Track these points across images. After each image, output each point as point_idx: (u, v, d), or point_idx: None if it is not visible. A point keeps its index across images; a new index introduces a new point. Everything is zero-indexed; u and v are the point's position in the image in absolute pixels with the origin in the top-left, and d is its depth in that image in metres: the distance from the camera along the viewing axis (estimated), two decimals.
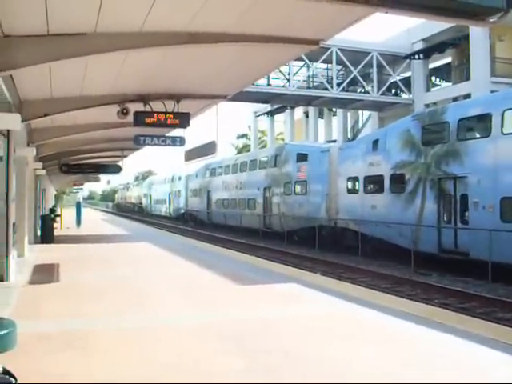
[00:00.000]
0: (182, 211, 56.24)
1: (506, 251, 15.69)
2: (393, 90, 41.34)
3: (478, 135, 19.13)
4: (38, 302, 9.80)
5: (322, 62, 38.19)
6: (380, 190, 23.39)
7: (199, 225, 47.84)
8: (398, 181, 22.13)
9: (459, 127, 19.13)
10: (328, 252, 24.89)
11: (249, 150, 60.71)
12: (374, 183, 23.95)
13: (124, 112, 13.25)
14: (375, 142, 23.95)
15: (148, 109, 13.15)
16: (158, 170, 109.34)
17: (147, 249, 21.55)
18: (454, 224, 19.13)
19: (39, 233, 24.31)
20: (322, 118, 50.13)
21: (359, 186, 25.09)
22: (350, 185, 26.05)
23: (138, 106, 13.17)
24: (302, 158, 30.81)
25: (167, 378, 5.62)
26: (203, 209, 47.86)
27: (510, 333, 8.14)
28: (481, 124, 18.78)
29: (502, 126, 17.24)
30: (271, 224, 34.10)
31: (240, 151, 71.82)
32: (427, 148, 20.48)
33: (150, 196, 75.15)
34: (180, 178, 58.71)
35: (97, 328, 7.79)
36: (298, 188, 31.20)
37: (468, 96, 31.16)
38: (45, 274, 13.67)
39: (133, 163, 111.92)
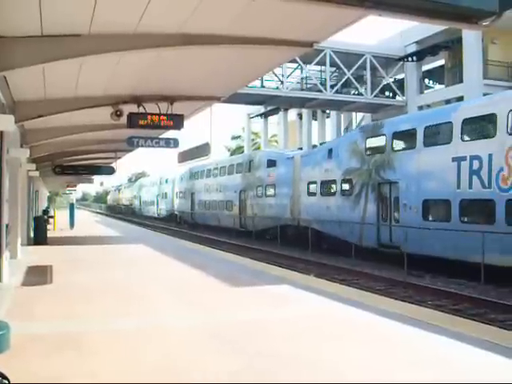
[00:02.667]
0: (169, 212, 58.92)
1: (428, 245, 18.49)
2: (386, 92, 41.47)
3: (406, 147, 22.03)
4: (31, 304, 9.76)
5: (315, 64, 38.32)
6: (333, 193, 26.57)
7: (184, 225, 50.17)
8: (347, 185, 25.27)
9: (393, 139, 22.30)
10: (291, 248, 27.26)
11: (242, 152, 60.94)
12: (329, 187, 27.05)
13: (118, 113, 13.24)
14: (330, 151, 27.02)
15: (142, 110, 13.14)
16: (151, 172, 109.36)
17: (140, 250, 21.53)
18: (389, 222, 22.25)
19: (32, 234, 24.23)
20: (315, 119, 50.17)
21: (317, 189, 27.98)
22: (309, 188, 28.76)
23: (132, 108, 13.16)
24: (271, 163, 33.93)
25: (159, 379, 5.62)
26: (187, 210, 50.84)
27: (501, 334, 8.18)
28: (408, 138, 21.65)
29: (423, 140, 20.29)
30: (246, 224, 36.82)
31: (233, 153, 71.82)
32: (369, 157, 23.53)
33: (140, 198, 77.28)
34: (167, 181, 61.43)
35: (90, 329, 7.78)
36: (268, 191, 34.18)
37: (461, 98, 31.31)
38: (38, 275, 13.63)
39: (127, 164, 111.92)
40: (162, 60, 10.49)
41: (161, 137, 16.21)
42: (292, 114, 51.94)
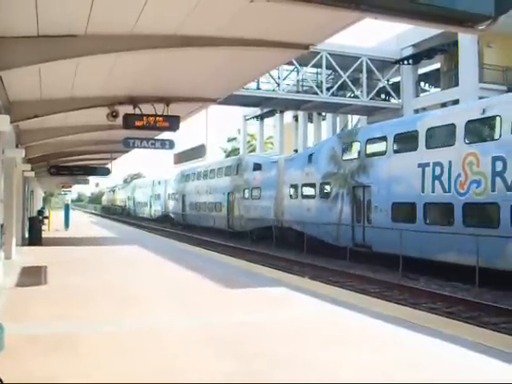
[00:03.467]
0: (161, 213, 60.30)
1: (397, 245, 19.16)
2: (382, 95, 41.53)
3: (378, 153, 23.22)
4: (25, 305, 9.75)
5: (311, 67, 38.32)
6: (313, 195, 27.97)
7: (178, 226, 51.14)
8: (325, 188, 26.84)
9: (366, 146, 23.81)
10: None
11: (238, 154, 61.09)
12: (309, 190, 28.47)
13: (114, 114, 13.22)
14: (310, 156, 28.67)
15: (138, 111, 13.12)
16: (146, 173, 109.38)
17: (135, 251, 21.50)
18: (362, 223, 23.62)
19: (27, 235, 24.19)
20: (311, 122, 50.22)
21: (299, 191, 29.42)
22: (292, 191, 30.22)
23: (128, 109, 13.14)
24: (257, 167, 35.51)
25: (155, 381, 5.62)
26: (178, 211, 52.44)
27: (495, 337, 8.21)
28: (380, 144, 23.10)
29: (393, 147, 21.96)
30: (234, 225, 38.31)
31: (229, 155, 71.91)
32: (346, 162, 25.09)
33: (134, 199, 78.41)
34: (159, 183, 62.85)
35: (85, 331, 7.77)
36: (254, 193, 35.51)
37: (457, 102, 31.37)
38: (32, 276, 13.60)
39: (122, 165, 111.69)
40: (158, 61, 10.49)
41: (156, 138, 16.20)
42: (288, 116, 51.98)
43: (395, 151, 21.91)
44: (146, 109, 13.13)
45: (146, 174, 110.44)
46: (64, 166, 29.25)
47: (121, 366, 6.11)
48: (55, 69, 9.83)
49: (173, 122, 13.18)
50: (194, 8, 7.48)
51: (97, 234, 32.37)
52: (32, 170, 23.14)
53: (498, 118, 17.50)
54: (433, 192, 19.59)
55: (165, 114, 13.17)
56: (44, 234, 24.97)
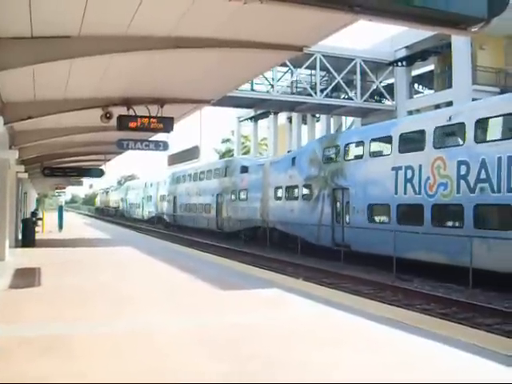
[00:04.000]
0: (153, 214, 61.35)
1: (373, 244, 20.96)
2: (376, 97, 41.61)
3: (355, 157, 24.48)
4: (18, 307, 9.71)
5: (305, 68, 38.35)
6: (296, 197, 29.22)
7: (172, 227, 51.63)
8: (307, 190, 28.06)
9: (345, 150, 25.08)
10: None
11: (232, 155, 61.21)
12: (292, 192, 29.73)
13: (107, 116, 13.23)
14: (293, 159, 29.90)
15: (131, 113, 13.13)
16: (140, 174, 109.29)
17: (129, 253, 21.46)
18: (341, 224, 24.76)
19: (20, 236, 24.11)
20: (305, 123, 50.26)
21: (283, 193, 30.77)
22: (276, 193, 31.56)
23: (122, 110, 13.15)
24: (244, 169, 36.66)
25: (149, 381, 5.61)
26: (170, 212, 53.68)
27: (489, 338, 8.23)
28: (358, 149, 24.36)
29: (369, 151, 23.20)
30: (222, 225, 39.36)
31: (223, 156, 71.93)
32: (326, 165, 26.25)
33: (127, 200, 79.38)
34: (151, 185, 63.95)
35: (78, 332, 7.74)
36: (241, 195, 36.77)
37: (450, 103, 31.48)
38: (26, 278, 13.55)
39: (116, 167, 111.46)
40: (152, 63, 10.49)
41: (150, 139, 16.21)
42: (282, 117, 52.01)
43: (371, 155, 23.21)
44: (140, 110, 13.14)
45: (140, 175, 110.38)
46: (58, 168, 29.21)
47: (114, 368, 6.10)
48: (49, 70, 9.82)
49: (167, 124, 13.20)
50: (188, 9, 7.50)
51: (90, 236, 32.28)
52: (26, 171, 23.09)
53: (462, 125, 18.48)
54: (405, 194, 20.75)
55: (159, 115, 13.19)
56: (37, 236, 24.88)
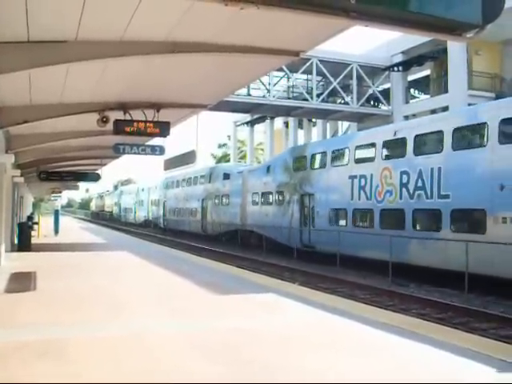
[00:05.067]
0: (145, 218, 63.95)
1: (334, 244, 22.74)
2: (372, 102, 41.71)
3: (320, 166, 26.80)
4: (14, 311, 9.69)
5: (302, 73, 38.51)
6: (270, 202, 31.61)
7: (168, 232, 52.34)
8: (279, 196, 30.40)
9: (311, 160, 27.47)
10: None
11: (228, 160, 61.41)
12: (267, 197, 32.10)
13: (104, 120, 13.22)
14: (268, 167, 32.59)
15: (128, 117, 13.13)
16: (137, 179, 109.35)
17: (124, 257, 21.44)
18: (308, 226, 27.04)
19: (16, 241, 24.06)
20: (301, 128, 50.35)
21: (259, 199, 33.13)
22: (254, 198, 33.86)
23: (118, 115, 13.14)
24: (226, 176, 39.10)
25: None
26: (160, 216, 56.22)
27: (484, 342, 8.24)
28: (322, 159, 26.71)
29: (331, 160, 25.74)
30: (207, 228, 41.90)
31: (219, 161, 71.98)
32: (296, 173, 28.65)
33: (120, 205, 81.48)
34: (143, 190, 66.42)
35: (73, 336, 7.73)
36: (223, 200, 39.15)
37: (446, 108, 31.59)
38: (22, 282, 13.53)
39: (113, 171, 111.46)
40: (148, 67, 10.51)
41: (147, 144, 16.21)
42: (278, 122, 52.07)
43: (332, 164, 25.71)
44: (137, 115, 13.14)
45: (136, 179, 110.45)
46: (54, 172, 29.16)
47: (110, 371, 6.09)
48: (45, 74, 9.82)
49: (163, 128, 13.20)
50: (185, 14, 7.51)
51: (86, 240, 32.24)
52: (22, 175, 23.04)
53: (404, 140, 20.95)
54: (359, 200, 23.17)
55: (155, 119, 13.18)
56: (33, 240, 24.86)
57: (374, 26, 5.96)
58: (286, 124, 51.04)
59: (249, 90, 37.91)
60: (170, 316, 9.52)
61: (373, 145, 22.75)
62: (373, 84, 39.85)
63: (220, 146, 79.78)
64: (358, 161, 23.58)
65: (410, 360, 6.78)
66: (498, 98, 31.81)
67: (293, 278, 19.77)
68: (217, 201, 40.15)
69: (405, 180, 20.48)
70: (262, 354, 6.93)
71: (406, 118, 36.40)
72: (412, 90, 42.40)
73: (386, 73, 39.43)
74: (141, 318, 9.28)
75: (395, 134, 21.69)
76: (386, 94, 40.64)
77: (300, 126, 50.13)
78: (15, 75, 9.04)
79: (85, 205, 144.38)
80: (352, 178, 23.55)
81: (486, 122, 17.40)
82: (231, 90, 14.60)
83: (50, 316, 9.22)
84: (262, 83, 37.77)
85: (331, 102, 40.36)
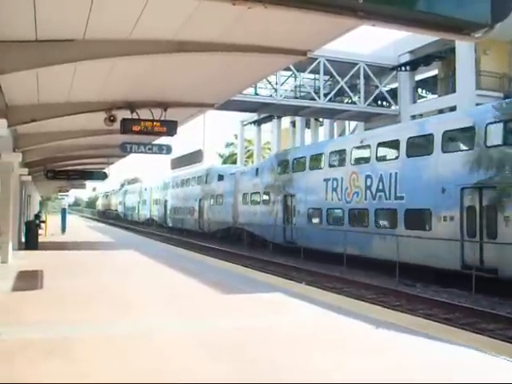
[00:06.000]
0: (147, 217, 66.79)
1: (311, 240, 26.16)
2: (379, 101, 41.59)
3: (300, 170, 29.46)
4: (21, 309, 9.72)
5: (309, 73, 38.47)
6: (258, 202, 34.35)
7: (161, 229, 56.17)
8: (266, 196, 33.16)
9: (293, 164, 30.33)
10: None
11: (235, 159, 61.52)
12: (256, 197, 34.84)
13: (111, 119, 13.22)
14: (257, 170, 35.64)
15: (135, 116, 13.13)
16: (145, 177, 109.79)
17: (131, 256, 21.48)
18: (290, 224, 29.89)
19: (24, 239, 24.12)
20: (308, 127, 50.30)
21: (248, 199, 35.97)
22: (244, 198, 36.70)
23: (125, 114, 13.15)
24: (220, 177, 42.00)
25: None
26: (161, 215, 59.29)
27: (491, 343, 8.21)
28: (301, 163, 29.48)
29: (310, 164, 28.43)
30: (203, 226, 44.69)
31: (226, 160, 72.01)
32: (280, 176, 31.44)
33: (124, 204, 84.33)
34: (146, 189, 69.39)
35: (80, 335, 7.74)
36: (218, 200, 41.96)
37: (454, 108, 31.48)
38: (29, 280, 13.57)
39: (120, 169, 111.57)
40: (156, 66, 10.50)
41: (154, 143, 16.21)
42: (285, 121, 52.04)
43: (310, 168, 28.37)
44: (144, 114, 13.14)
45: (143, 178, 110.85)
46: (61, 171, 29.25)
47: (116, 371, 6.09)
48: (53, 73, 9.83)
49: (170, 127, 13.19)
50: (193, 14, 7.51)
51: (92, 239, 32.31)
52: (29, 174, 23.12)
53: (368, 147, 23.60)
54: (332, 200, 25.84)
55: (162, 118, 13.18)
56: (40, 239, 24.92)
57: (381, 26, 5.92)
58: (293, 123, 50.99)
59: (256, 90, 37.90)
60: (177, 315, 9.53)
61: (344, 151, 25.59)
62: (380, 84, 39.75)
63: (227, 146, 79.76)
64: (332, 165, 26.52)
65: (417, 360, 6.75)
66: (506, 97, 31.73)
67: (299, 278, 19.76)
68: (212, 200, 43.04)
69: (369, 183, 23.11)
70: (269, 353, 6.92)
71: (414, 117, 36.28)
72: (419, 90, 42.26)
73: (394, 72, 39.31)
74: (148, 317, 9.29)
75: (362, 141, 24.64)
76: (394, 93, 40.53)
77: (307, 125, 50.07)
78: (23, 74, 9.07)
79: (91, 203, 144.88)
80: (326, 180, 26.33)
81: (432, 133, 19.98)
82: (238, 89, 14.58)
83: (56, 314, 9.24)
84: (269, 82, 37.77)
85: (338, 101, 40.27)
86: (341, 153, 25.94)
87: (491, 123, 17.58)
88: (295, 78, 39.61)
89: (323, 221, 26.49)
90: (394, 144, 22.39)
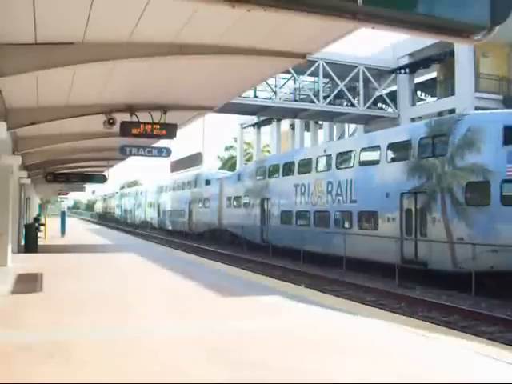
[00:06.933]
0: (142, 219, 69.00)
1: (283, 240, 29.11)
2: (379, 104, 41.61)
3: (274, 176, 32.40)
4: (20, 312, 9.70)
5: (308, 75, 38.46)
6: (240, 205, 36.73)
7: (153, 230, 59.64)
8: (246, 200, 35.57)
9: (269, 170, 33.12)
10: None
11: (235, 162, 61.63)
12: (238, 201, 37.28)
13: (110, 122, 13.22)
14: (239, 175, 38.26)
15: (135, 119, 13.14)
16: (144, 180, 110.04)
17: (130, 259, 21.45)
18: (266, 226, 32.23)
19: (23, 242, 24.10)
20: (308, 130, 50.32)
21: (232, 202, 38.36)
22: (228, 202, 39.12)
23: (125, 116, 13.16)
24: (208, 182, 45.00)
25: None
26: (155, 217, 61.64)
27: (490, 346, 8.20)
28: (275, 169, 32.37)
29: (282, 171, 31.22)
30: (192, 228, 47.30)
31: (225, 163, 72.06)
32: (258, 181, 34.00)
33: (121, 207, 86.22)
34: (141, 193, 71.70)
35: (79, 338, 7.73)
36: (205, 203, 44.41)
37: (453, 111, 31.48)
38: (28, 283, 13.54)
39: (120, 172, 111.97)
40: (155, 69, 10.52)
41: (153, 146, 16.22)
42: (285, 124, 52.04)
43: (283, 175, 31.15)
44: (143, 116, 13.15)
45: (143, 181, 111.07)
46: (60, 173, 29.24)
47: (115, 374, 6.08)
48: (52, 76, 9.84)
49: (170, 130, 13.21)
50: (192, 16, 7.51)
51: (91, 241, 32.31)
52: (28, 176, 23.12)
53: (330, 156, 26.42)
54: (300, 204, 28.57)
55: (162, 121, 13.19)
56: (40, 242, 24.90)
57: (380, 29, 5.94)
58: (293, 126, 51.00)
59: (255, 92, 37.93)
60: (176, 318, 9.51)
61: (310, 159, 28.27)
62: (379, 86, 39.77)
63: (227, 148, 79.87)
64: (300, 172, 29.25)
65: (417, 362, 6.74)
66: (505, 100, 31.77)
67: (299, 281, 19.72)
68: (200, 204, 45.59)
69: (330, 188, 25.92)
70: (268, 356, 6.91)
71: (413, 120, 36.31)
72: (419, 93, 42.29)
73: (393, 75, 39.33)
74: (147, 320, 9.28)
75: (325, 151, 27.53)
76: (393, 96, 40.55)
77: (307, 128, 50.10)
78: (22, 77, 9.07)
79: (91, 206, 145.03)
80: (296, 186, 29.09)
81: (379, 145, 22.90)
82: (238, 92, 14.59)
83: (55, 318, 9.23)
84: (269, 85, 37.79)
85: (338, 104, 40.26)
86: (308, 161, 28.67)
87: (423, 138, 20.56)
88: (294, 80, 39.63)
89: (293, 222, 29.17)
90: (349, 154, 25.42)
